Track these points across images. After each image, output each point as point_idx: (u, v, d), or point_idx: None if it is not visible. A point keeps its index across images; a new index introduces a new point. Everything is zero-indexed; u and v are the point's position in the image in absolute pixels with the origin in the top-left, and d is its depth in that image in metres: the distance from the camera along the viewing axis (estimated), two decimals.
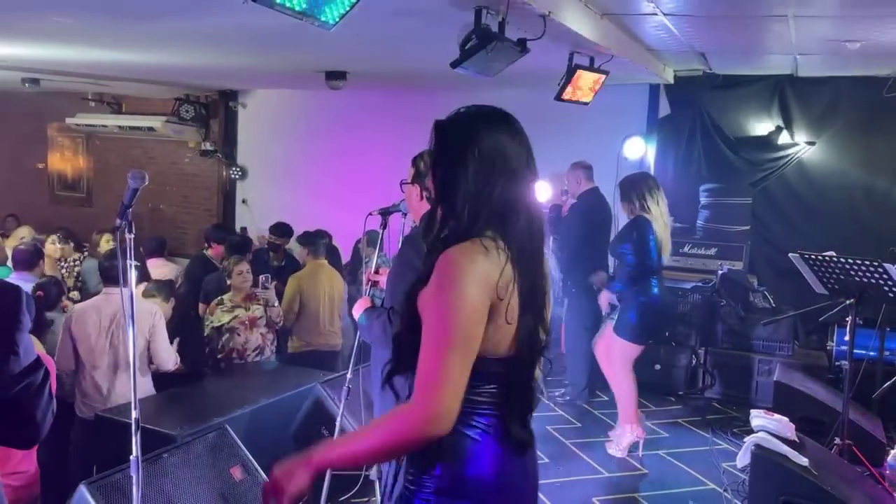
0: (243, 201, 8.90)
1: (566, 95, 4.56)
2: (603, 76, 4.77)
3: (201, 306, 5.04)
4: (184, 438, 3.10)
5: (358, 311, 2.64)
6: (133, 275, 2.09)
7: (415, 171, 2.61)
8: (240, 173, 8.83)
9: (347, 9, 2.41)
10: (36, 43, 5.10)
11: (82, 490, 2.56)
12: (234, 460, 3.11)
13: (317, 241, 5.60)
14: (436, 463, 1.48)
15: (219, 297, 4.79)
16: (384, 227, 3.00)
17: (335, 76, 5.93)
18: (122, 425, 3.33)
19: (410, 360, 1.46)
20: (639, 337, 4.15)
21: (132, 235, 2.09)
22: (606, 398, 5.07)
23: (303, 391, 4.12)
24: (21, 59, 6.01)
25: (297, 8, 2.26)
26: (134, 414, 2.14)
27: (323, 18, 2.39)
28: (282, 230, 6.46)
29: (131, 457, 2.15)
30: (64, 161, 10.00)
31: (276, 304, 5.02)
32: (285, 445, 3.85)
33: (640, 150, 6.34)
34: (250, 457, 3.18)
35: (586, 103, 4.98)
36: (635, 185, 4.15)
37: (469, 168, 1.51)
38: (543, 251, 1.61)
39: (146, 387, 4.06)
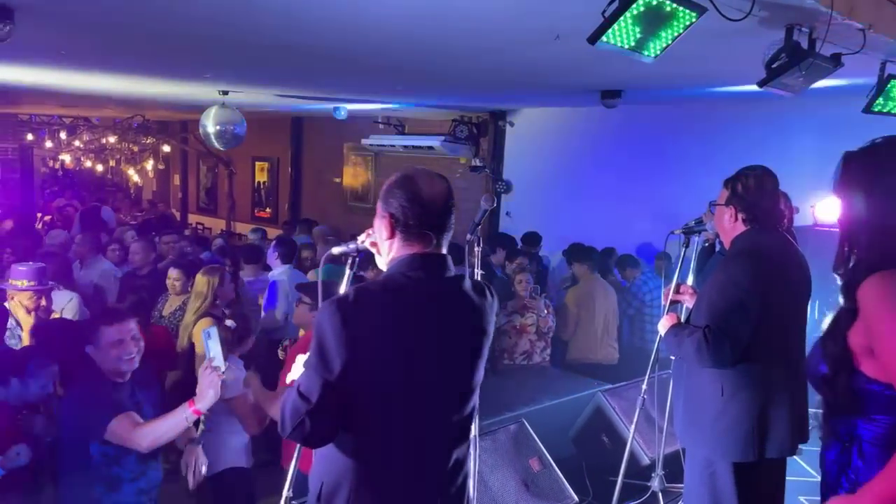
0: (507, 213, 9.46)
1: (876, 107, 4.21)
2: None
3: None
4: (490, 427, 3.49)
5: (665, 327, 2.78)
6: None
7: (730, 193, 2.66)
8: (505, 187, 9.40)
9: (669, 43, 2.57)
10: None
11: None
12: (531, 452, 3.42)
13: (591, 255, 5.82)
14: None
15: (503, 303, 5.26)
16: (686, 246, 3.10)
17: (610, 95, 6.07)
18: None
19: (846, 396, 1.56)
20: None
21: (480, 248, 2.48)
22: None
23: (581, 397, 4.35)
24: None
25: (626, 45, 2.48)
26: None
27: (646, 53, 2.58)
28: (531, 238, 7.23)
29: (470, 436, 2.52)
30: (355, 176, 11.49)
31: (545, 313, 5.35)
32: (565, 447, 4.12)
33: None
34: (545, 450, 3.48)
35: None
36: None
37: (887, 200, 1.56)
38: None
39: None
